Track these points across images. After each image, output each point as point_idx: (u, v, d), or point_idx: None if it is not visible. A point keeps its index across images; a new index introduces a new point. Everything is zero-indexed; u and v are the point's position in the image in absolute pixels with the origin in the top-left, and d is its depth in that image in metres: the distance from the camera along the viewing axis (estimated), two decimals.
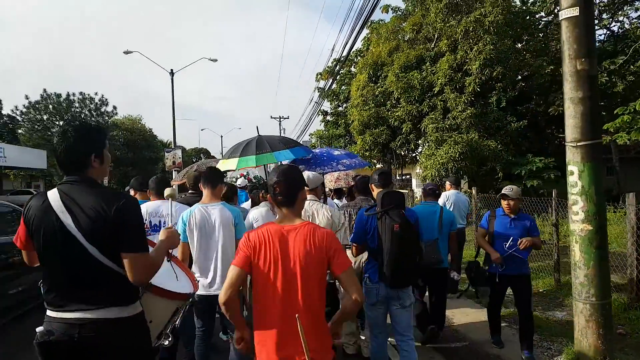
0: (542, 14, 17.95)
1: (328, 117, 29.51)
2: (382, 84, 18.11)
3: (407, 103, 16.74)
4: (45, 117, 38.03)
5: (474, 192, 10.80)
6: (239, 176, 9.69)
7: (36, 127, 37.02)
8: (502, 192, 4.84)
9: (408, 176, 23.81)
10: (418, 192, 16.27)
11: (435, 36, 17.00)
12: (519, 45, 17.46)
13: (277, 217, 2.46)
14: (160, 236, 2.53)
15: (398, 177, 21.84)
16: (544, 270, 8.17)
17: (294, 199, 2.41)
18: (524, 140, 16.27)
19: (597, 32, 17.46)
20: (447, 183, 8.12)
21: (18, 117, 38.81)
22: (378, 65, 18.58)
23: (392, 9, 20.90)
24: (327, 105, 29.40)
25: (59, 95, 38.09)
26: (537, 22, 18.11)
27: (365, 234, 3.79)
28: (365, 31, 20.97)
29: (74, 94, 38.63)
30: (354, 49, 27.22)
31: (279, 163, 6.66)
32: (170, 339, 2.55)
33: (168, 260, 2.74)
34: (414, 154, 18.60)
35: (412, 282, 3.85)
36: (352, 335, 4.83)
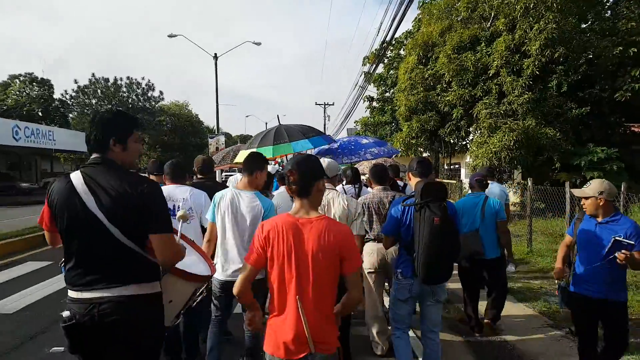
0: None
1: (374, 104, 28.76)
2: (432, 67, 17.04)
3: (459, 87, 15.69)
4: (94, 101, 38.90)
5: (529, 183, 9.82)
6: (273, 163, 9.37)
7: (85, 111, 37.92)
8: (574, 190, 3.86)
9: (457, 166, 22.68)
10: (467, 182, 15.32)
11: (492, 14, 15.86)
12: (584, 25, 16.08)
13: (293, 207, 2.43)
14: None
15: (446, 167, 20.81)
16: None
17: (309, 188, 2.38)
18: (585, 128, 14.98)
19: None
20: None
21: (68, 102, 39.86)
22: (429, 46, 17.50)
23: None
24: (373, 91, 28.65)
25: (107, 80, 38.90)
26: None
27: (399, 226, 3.65)
28: (417, 12, 20.02)
29: (121, 79, 39.47)
30: (403, 31, 26.33)
31: (296, 153, 6.50)
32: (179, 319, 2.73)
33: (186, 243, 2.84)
34: (464, 142, 17.46)
35: (448, 277, 3.61)
36: (383, 333, 4.58)
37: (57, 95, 40.13)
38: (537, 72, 14.07)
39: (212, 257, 3.76)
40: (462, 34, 16.12)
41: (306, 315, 2.22)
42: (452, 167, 21.73)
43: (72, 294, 2.24)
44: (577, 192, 3.73)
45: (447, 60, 15.78)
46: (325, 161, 4.19)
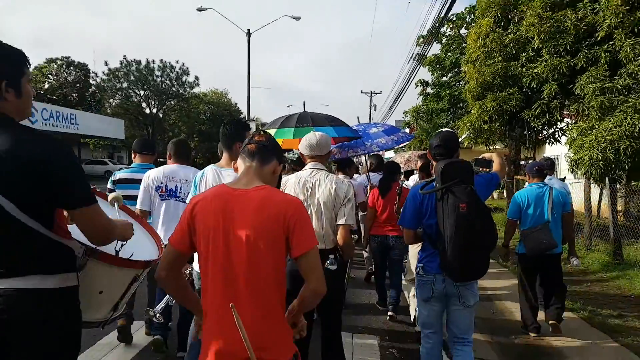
0: None
1: (428, 89, 25.34)
2: (514, 30, 13.12)
3: (552, 55, 11.68)
4: (125, 85, 36.69)
5: None
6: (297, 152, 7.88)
7: (117, 95, 35.75)
8: None
9: (529, 162, 18.60)
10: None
11: None
12: None
13: (236, 177, 2.00)
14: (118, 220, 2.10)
15: (525, 163, 16.77)
16: None
17: (270, 158, 1.98)
18: None
19: None
20: None
21: (104, 87, 37.83)
22: (509, 6, 13.63)
23: None
24: (426, 77, 25.53)
25: (138, 62, 36.50)
26: None
27: (420, 216, 3.16)
28: None
29: (153, 61, 36.89)
30: (467, 6, 23.13)
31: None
32: (158, 316, 2.87)
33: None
34: (553, 130, 13.43)
35: (482, 274, 3.06)
36: None
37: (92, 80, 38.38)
38: None
39: None
40: None
41: (240, 313, 1.67)
42: (525, 161, 17.68)
43: None
44: None
45: (536, 19, 11.84)
46: (316, 135, 3.48)
